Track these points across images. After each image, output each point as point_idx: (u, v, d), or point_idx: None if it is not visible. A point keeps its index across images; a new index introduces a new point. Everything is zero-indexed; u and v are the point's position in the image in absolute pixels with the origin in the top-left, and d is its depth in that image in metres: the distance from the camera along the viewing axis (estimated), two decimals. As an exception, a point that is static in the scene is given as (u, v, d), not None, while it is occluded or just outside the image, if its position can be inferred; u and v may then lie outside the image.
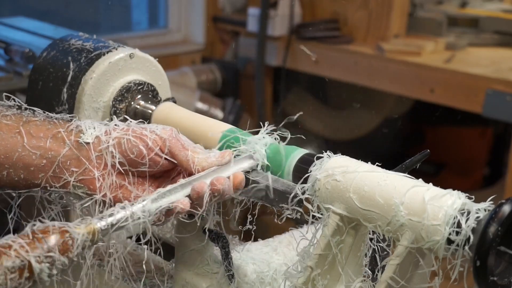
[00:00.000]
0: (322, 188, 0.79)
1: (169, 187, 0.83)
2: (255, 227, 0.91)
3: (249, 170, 0.87)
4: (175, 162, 0.86)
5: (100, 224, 0.76)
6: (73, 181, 0.85)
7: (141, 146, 0.85)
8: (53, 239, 0.72)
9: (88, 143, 0.86)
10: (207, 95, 2.87)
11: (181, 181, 0.84)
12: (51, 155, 0.85)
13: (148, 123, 1.00)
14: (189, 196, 0.83)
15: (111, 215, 0.77)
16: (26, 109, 0.90)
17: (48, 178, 0.86)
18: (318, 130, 2.92)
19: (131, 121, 0.89)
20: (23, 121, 0.87)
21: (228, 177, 0.84)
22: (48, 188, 0.87)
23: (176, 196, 0.82)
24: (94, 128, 0.87)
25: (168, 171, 0.89)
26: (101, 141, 0.86)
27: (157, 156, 0.86)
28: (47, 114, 0.90)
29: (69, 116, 0.91)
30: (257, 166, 0.88)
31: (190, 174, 0.86)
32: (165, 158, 0.86)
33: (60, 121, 0.89)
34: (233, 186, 0.84)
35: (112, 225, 0.77)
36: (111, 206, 0.84)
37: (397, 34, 2.78)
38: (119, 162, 0.86)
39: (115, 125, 0.88)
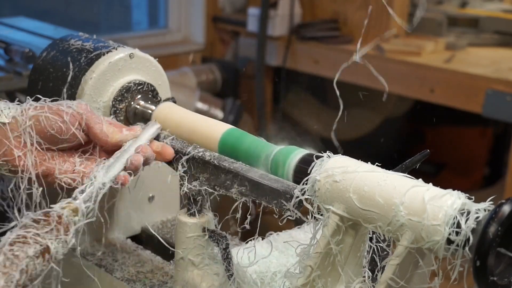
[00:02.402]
0: (322, 188, 0.79)
1: (110, 160, 0.90)
2: (253, 227, 0.91)
3: (157, 137, 0.97)
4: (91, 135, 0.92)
5: (79, 202, 0.82)
6: None
7: (59, 122, 0.90)
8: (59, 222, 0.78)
9: (5, 124, 0.88)
10: (207, 95, 2.86)
11: (116, 153, 0.91)
12: None
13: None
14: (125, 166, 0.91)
15: (82, 192, 0.84)
16: None
17: None
18: (318, 130, 2.92)
19: (45, 100, 0.93)
20: None
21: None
22: None
23: (117, 167, 0.90)
24: (9, 108, 0.90)
25: (85, 143, 0.94)
26: (17, 121, 0.89)
27: (77, 129, 0.91)
28: None
29: None
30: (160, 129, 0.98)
31: (104, 145, 0.93)
32: (83, 131, 0.92)
33: None
34: (164, 157, 0.94)
35: (86, 201, 0.83)
36: (36, 182, 0.90)
37: (397, 34, 2.78)
38: (39, 141, 0.90)
39: (30, 104, 0.91)
